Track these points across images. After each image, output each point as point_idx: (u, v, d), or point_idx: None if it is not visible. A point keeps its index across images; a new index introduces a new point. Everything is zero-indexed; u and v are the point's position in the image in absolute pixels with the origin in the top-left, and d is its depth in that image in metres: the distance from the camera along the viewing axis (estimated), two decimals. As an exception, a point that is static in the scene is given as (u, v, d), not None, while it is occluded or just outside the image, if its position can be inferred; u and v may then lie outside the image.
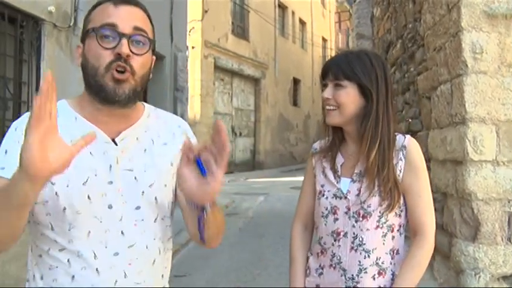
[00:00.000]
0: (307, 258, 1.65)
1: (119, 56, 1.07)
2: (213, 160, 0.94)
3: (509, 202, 3.32)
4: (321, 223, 1.57)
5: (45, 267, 1.12)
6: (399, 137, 1.53)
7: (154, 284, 1.19)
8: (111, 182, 1.11)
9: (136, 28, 1.10)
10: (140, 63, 1.11)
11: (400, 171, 1.49)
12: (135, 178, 1.14)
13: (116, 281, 1.11)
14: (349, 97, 1.49)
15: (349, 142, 1.59)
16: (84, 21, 1.15)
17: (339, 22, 28.49)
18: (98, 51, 1.08)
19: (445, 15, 3.64)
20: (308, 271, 1.62)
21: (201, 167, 0.96)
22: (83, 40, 1.13)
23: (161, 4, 7.15)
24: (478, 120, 3.28)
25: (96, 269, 1.09)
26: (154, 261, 1.18)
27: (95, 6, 1.16)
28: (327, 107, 1.53)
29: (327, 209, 1.55)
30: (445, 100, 3.67)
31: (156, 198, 1.17)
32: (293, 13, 21.84)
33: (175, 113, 7.87)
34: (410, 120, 4.79)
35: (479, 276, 3.30)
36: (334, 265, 1.53)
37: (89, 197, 1.08)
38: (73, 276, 1.09)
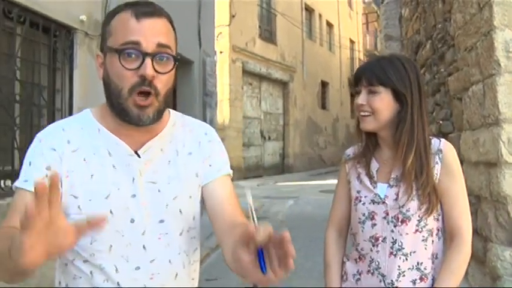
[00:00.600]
0: (343, 263, 1.65)
1: (143, 78, 1.03)
2: (276, 257, 0.78)
3: (546, 205, 3.21)
4: (358, 229, 1.57)
5: (70, 277, 1.12)
6: (434, 141, 1.52)
7: None
8: (134, 196, 1.10)
9: (160, 45, 1.05)
10: (164, 81, 1.07)
11: (437, 174, 1.48)
12: (159, 191, 1.12)
13: None
14: (384, 103, 1.49)
15: (383, 148, 1.59)
16: (103, 28, 1.10)
17: (366, 23, 28.20)
18: (121, 72, 1.03)
19: (476, 14, 3.56)
20: (345, 276, 1.62)
21: (261, 262, 0.80)
22: (102, 49, 1.10)
23: (189, 10, 7.24)
24: (512, 121, 3.19)
25: (118, 283, 1.08)
26: (176, 275, 1.15)
27: (114, 13, 1.10)
28: (361, 113, 1.53)
29: (364, 215, 1.55)
30: (477, 101, 3.59)
31: (180, 211, 1.14)
32: (320, 16, 21.76)
33: (204, 117, 7.96)
34: (441, 122, 4.70)
35: (516, 282, 3.20)
36: (372, 271, 1.52)
37: (111, 211, 1.07)
38: None
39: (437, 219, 1.51)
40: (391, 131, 1.52)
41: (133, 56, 1.03)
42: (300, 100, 19.40)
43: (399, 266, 1.48)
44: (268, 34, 17.15)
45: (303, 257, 5.31)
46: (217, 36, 12.12)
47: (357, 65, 26.41)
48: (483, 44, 3.41)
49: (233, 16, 14.10)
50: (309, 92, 20.36)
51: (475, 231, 3.56)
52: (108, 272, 1.08)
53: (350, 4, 26.00)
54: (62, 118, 4.14)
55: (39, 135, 1.12)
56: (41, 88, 3.96)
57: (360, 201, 1.56)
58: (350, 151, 1.71)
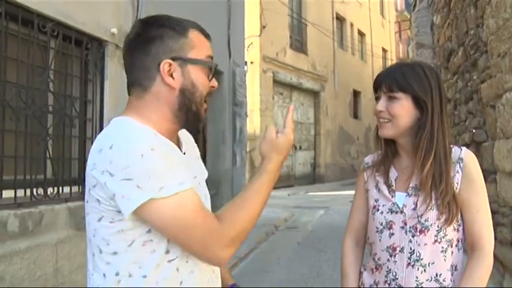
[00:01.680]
0: (360, 273, 1.62)
1: (212, 89, 1.22)
2: None
3: None
4: (376, 239, 1.53)
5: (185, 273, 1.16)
6: (455, 149, 1.49)
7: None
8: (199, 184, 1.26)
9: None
10: None
11: (457, 183, 1.45)
12: (199, 183, 1.27)
13: (208, 280, 1.21)
14: (404, 109, 1.46)
15: (402, 155, 1.55)
16: (174, 38, 1.16)
17: (399, 32, 27.80)
18: (205, 82, 1.19)
19: (509, 18, 3.46)
20: (362, 286, 1.59)
21: None
22: (176, 59, 1.15)
23: (219, 20, 7.32)
24: (548, 129, 3.07)
25: (200, 270, 1.17)
26: None
27: (183, 28, 1.18)
28: (380, 120, 1.50)
29: (381, 224, 1.51)
30: (510, 108, 3.47)
31: (207, 198, 1.30)
32: (351, 25, 21.65)
33: (234, 127, 8.00)
34: (474, 130, 4.56)
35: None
36: (389, 281, 1.48)
37: (206, 196, 1.28)
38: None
39: (457, 230, 1.47)
40: (411, 138, 1.49)
41: (212, 70, 1.21)
42: (331, 109, 19.28)
43: (417, 277, 1.44)
44: (298, 44, 17.16)
45: (332, 268, 5.24)
46: (248, 47, 12.22)
47: (389, 74, 26.04)
48: (516, 50, 3.31)
49: (264, 27, 14.19)
50: (340, 101, 20.22)
51: (510, 244, 3.42)
52: (194, 262, 1.15)
53: (382, 13, 25.76)
54: (92, 128, 4.29)
55: (147, 145, 1.06)
56: (73, 99, 4.06)
57: (378, 210, 1.53)
58: (369, 159, 1.68)
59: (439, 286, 1.43)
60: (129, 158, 1.03)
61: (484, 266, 1.41)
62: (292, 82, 16.48)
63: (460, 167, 1.46)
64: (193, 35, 1.19)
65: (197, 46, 1.18)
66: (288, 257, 5.76)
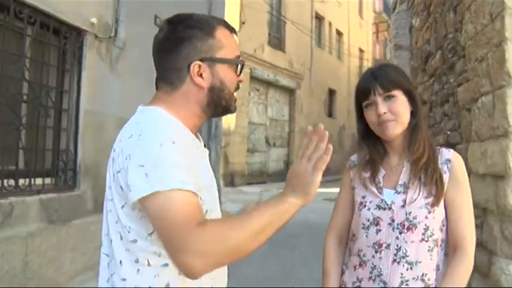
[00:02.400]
0: (342, 271, 1.62)
1: (239, 84, 1.28)
2: None
3: (554, 220, 3.16)
4: (362, 235, 1.55)
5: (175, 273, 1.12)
6: (444, 151, 1.54)
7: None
8: (212, 184, 1.28)
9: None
10: None
11: (445, 184, 1.48)
12: (211, 186, 1.29)
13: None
14: (404, 105, 1.52)
15: (392, 155, 1.59)
16: (203, 39, 1.20)
17: (376, 33, 28.20)
18: (234, 80, 1.26)
19: (487, 24, 3.53)
20: (344, 285, 1.60)
21: None
22: (206, 59, 1.20)
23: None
24: (521, 133, 3.15)
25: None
26: None
27: (210, 27, 1.22)
28: (384, 120, 1.51)
29: (368, 220, 1.53)
30: (486, 112, 3.55)
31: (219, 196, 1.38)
32: (330, 24, 21.79)
33: (209, 122, 7.94)
34: (449, 132, 4.65)
35: (522, 297, 3.15)
36: (373, 277, 1.50)
37: (215, 199, 1.28)
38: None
39: (442, 230, 1.50)
40: (403, 136, 1.55)
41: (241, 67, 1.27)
42: (306, 107, 19.39)
43: (402, 274, 1.46)
44: (277, 41, 17.18)
45: (306, 266, 5.28)
46: (226, 42, 12.14)
47: (365, 74, 26.36)
48: (494, 55, 3.38)
49: (243, 23, 14.14)
50: (315, 99, 20.35)
51: (480, 244, 3.51)
52: None
53: (361, 13, 26.03)
54: (68, 119, 4.18)
55: (170, 136, 1.09)
56: (49, 89, 3.96)
57: (365, 206, 1.55)
58: (354, 157, 1.70)
59: (425, 285, 1.46)
60: (149, 145, 1.06)
61: (465, 266, 1.45)
62: (269, 79, 16.50)
63: (447, 167, 1.50)
64: (221, 34, 1.23)
65: (225, 46, 1.23)
66: (261, 254, 5.77)
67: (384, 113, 1.50)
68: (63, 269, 3.80)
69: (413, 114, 1.53)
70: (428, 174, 1.47)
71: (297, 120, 18.66)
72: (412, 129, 1.53)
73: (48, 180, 3.95)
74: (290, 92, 18.48)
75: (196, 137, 1.28)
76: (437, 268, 1.49)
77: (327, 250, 1.67)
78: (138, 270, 1.10)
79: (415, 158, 1.50)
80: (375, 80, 1.51)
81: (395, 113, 1.49)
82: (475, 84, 3.82)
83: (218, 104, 1.23)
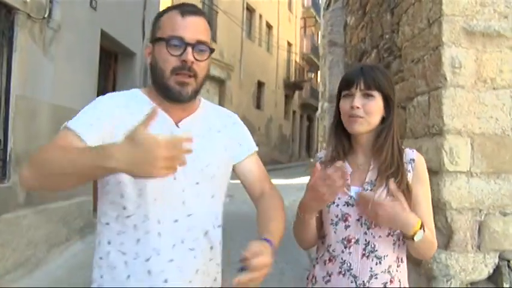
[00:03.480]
0: (313, 266, 1.66)
1: (184, 63, 1.29)
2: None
3: (480, 212, 3.44)
4: (330, 231, 1.58)
5: (113, 233, 1.30)
6: (408, 151, 1.61)
7: (205, 252, 1.37)
8: None
9: (199, 41, 1.31)
10: (201, 67, 1.33)
11: (408, 181, 1.55)
12: (195, 157, 1.28)
13: (174, 245, 1.29)
14: (377, 107, 1.54)
15: (358, 153, 1.62)
16: (154, 25, 1.36)
17: (304, 27, 28.82)
18: (166, 57, 1.29)
19: (425, 28, 3.74)
20: (314, 280, 1.63)
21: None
22: (152, 42, 1.35)
23: (134, 0, 7.01)
24: (454, 132, 3.38)
25: (159, 233, 1.27)
26: (207, 232, 1.37)
27: (163, 12, 1.36)
28: (353, 116, 1.54)
29: (337, 217, 1.57)
30: (421, 111, 3.77)
31: (212, 177, 1.38)
32: (260, 16, 21.94)
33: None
34: (384, 128, 4.89)
35: (450, 283, 3.41)
36: (343, 272, 1.54)
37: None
38: (138, 240, 1.27)
39: None
40: (372, 136, 1.58)
41: (177, 46, 1.29)
42: (236, 99, 19.45)
43: (371, 268, 1.51)
44: (208, 30, 17.01)
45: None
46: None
47: (293, 68, 26.90)
48: (431, 58, 3.59)
49: (174, 9, 13.83)
50: (245, 91, 20.45)
51: (413, 235, 3.75)
52: (152, 223, 1.27)
53: (290, 7, 26.44)
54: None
55: (100, 97, 1.36)
56: (-24, 70, 3.65)
57: (334, 203, 1.57)
58: (322, 154, 1.73)
59: (390, 277, 1.53)
60: None
61: (430, 240, 1.56)
62: (199, 68, 16.32)
63: (411, 167, 1.57)
64: (166, 17, 1.33)
65: (163, 26, 1.32)
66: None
67: (357, 107, 1.53)
68: (-8, 266, 3.54)
69: (384, 120, 1.57)
70: (396, 183, 1.52)
71: (227, 111, 18.66)
72: (379, 134, 1.56)
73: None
74: (220, 82, 18.42)
75: (173, 116, 1.36)
76: (399, 260, 1.57)
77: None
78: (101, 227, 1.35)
79: (381, 167, 1.54)
80: (362, 75, 1.55)
81: (368, 111, 1.53)
82: (410, 84, 4.04)
83: (156, 81, 1.33)
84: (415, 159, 1.58)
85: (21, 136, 3.97)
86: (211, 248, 1.40)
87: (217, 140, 1.43)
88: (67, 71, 4.49)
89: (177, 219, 1.30)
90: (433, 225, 1.59)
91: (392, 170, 1.53)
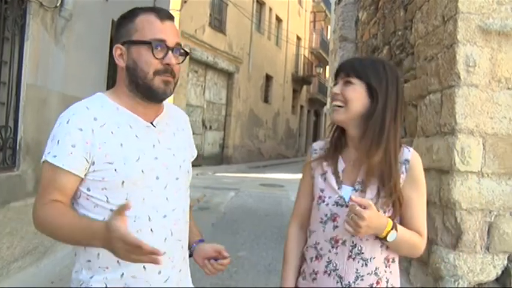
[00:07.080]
0: (304, 260, 1.64)
1: (167, 66, 1.35)
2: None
3: (490, 213, 3.42)
4: (319, 228, 1.56)
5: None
6: (404, 150, 1.53)
7: (186, 241, 1.53)
8: (156, 158, 1.39)
9: (177, 44, 1.38)
10: (178, 69, 1.40)
11: (400, 183, 1.49)
12: (174, 155, 1.45)
13: (166, 239, 1.38)
14: (356, 93, 1.50)
15: (350, 147, 1.58)
16: (123, 26, 1.37)
17: (313, 22, 28.67)
18: (150, 60, 1.33)
19: (439, 26, 3.70)
20: (304, 274, 1.62)
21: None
22: (123, 43, 1.36)
23: (145, -9, 6.99)
24: (466, 131, 3.35)
25: (151, 229, 1.34)
26: (187, 221, 1.51)
27: (134, 14, 1.37)
28: (334, 103, 1.53)
29: (326, 216, 1.54)
30: (433, 109, 3.74)
31: (187, 172, 1.50)
32: (270, 9, 21.84)
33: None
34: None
35: (458, 283, 3.39)
36: (329, 272, 1.53)
37: (142, 171, 1.34)
38: None
39: None
40: (360, 129, 1.52)
41: (159, 50, 1.34)
42: (244, 92, 19.42)
43: (357, 270, 1.50)
44: (218, 23, 16.96)
45: (249, 251, 5.33)
46: (167, 20, 11.78)
47: (301, 62, 26.80)
48: (445, 56, 3.55)
49: (185, 2, 13.79)
50: (253, 84, 20.41)
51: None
52: (143, 221, 1.33)
53: (300, 1, 26.30)
54: (8, 93, 3.87)
55: (66, 116, 1.34)
56: (-13, 59, 3.65)
57: (324, 201, 1.55)
58: (317, 145, 1.70)
59: (377, 278, 1.51)
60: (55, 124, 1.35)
61: (420, 240, 1.53)
62: (208, 61, 16.29)
63: (405, 168, 1.50)
64: (142, 19, 1.36)
65: (140, 29, 1.35)
66: (206, 239, 5.75)
67: (336, 93, 1.52)
68: (0, 255, 3.55)
69: (371, 113, 1.49)
70: (386, 194, 1.47)
71: (234, 104, 18.64)
72: (365, 129, 1.50)
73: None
74: (229, 75, 18.38)
75: (144, 116, 1.40)
76: (388, 261, 1.54)
77: (288, 237, 1.69)
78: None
79: (368, 166, 1.48)
80: (348, 65, 1.55)
81: (345, 98, 1.50)
82: (423, 82, 4.01)
83: (136, 82, 1.35)
84: (410, 160, 1.51)
85: (31, 125, 3.98)
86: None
87: (184, 138, 1.55)
88: (77, 60, 4.49)
89: (165, 214, 1.38)
90: (425, 229, 1.54)
91: (380, 172, 1.47)
